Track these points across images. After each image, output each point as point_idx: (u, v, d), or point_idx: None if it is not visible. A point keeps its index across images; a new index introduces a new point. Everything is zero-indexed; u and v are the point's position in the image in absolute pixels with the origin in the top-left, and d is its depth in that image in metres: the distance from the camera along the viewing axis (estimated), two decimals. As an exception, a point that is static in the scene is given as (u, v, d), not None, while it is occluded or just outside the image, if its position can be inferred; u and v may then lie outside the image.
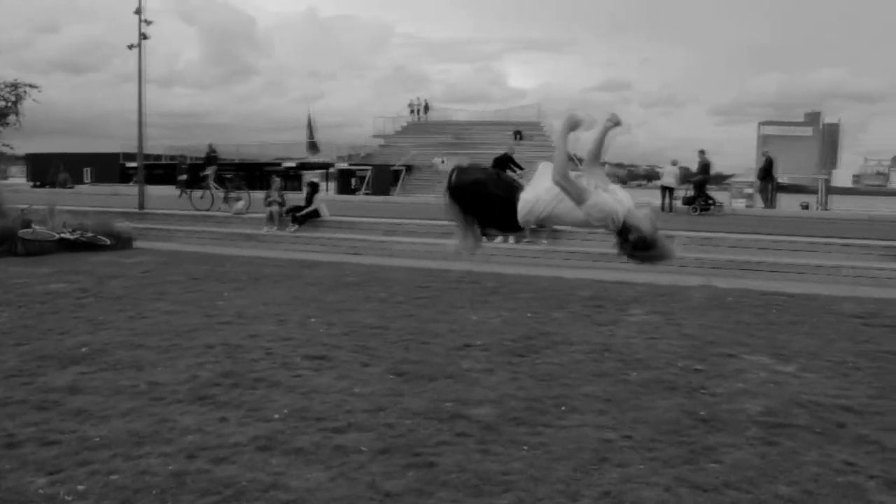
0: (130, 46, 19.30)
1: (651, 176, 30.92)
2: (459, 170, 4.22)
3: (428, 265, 12.71)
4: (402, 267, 12.51)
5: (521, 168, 21.62)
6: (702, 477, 3.97)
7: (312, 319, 7.88)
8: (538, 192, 3.92)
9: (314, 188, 18.40)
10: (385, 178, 39.17)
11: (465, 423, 4.73)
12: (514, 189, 4.06)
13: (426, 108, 52.69)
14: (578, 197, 3.73)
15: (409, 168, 41.72)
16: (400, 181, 39.99)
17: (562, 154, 3.84)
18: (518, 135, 45.20)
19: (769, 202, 26.57)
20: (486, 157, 42.27)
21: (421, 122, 51.44)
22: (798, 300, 9.74)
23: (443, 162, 40.21)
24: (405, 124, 51.18)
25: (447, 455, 4.19)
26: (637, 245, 3.75)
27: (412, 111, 52.38)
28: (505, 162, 20.95)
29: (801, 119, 32.07)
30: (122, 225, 15.45)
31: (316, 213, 17.26)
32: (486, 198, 4.10)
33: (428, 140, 46.30)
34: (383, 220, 17.81)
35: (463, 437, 4.49)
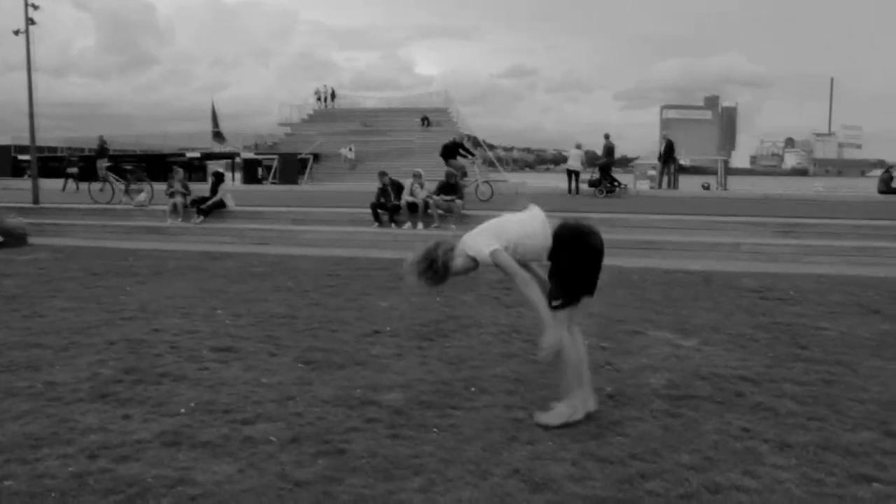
0: (16, 32, 18.41)
1: (558, 160, 31.44)
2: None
3: (336, 253, 12.62)
4: (311, 256, 12.39)
5: (472, 154, 21.63)
6: (608, 450, 4.06)
7: (219, 311, 7.73)
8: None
9: (219, 178, 18.02)
10: (292, 167, 38.69)
11: (374, 408, 4.72)
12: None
13: (332, 95, 52.22)
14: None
15: (316, 156, 41.28)
16: (307, 170, 39.55)
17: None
18: (426, 121, 45.26)
19: (671, 184, 27.35)
20: (394, 144, 42.31)
21: (328, 110, 50.96)
22: (700, 277, 10.07)
23: (350, 150, 39.95)
24: (311, 112, 50.61)
25: (357, 441, 4.17)
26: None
27: (318, 99, 51.83)
28: (454, 148, 20.93)
29: (701, 103, 33.10)
30: (14, 220, 14.74)
31: (221, 204, 16.91)
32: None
33: (335, 128, 45.93)
34: (291, 209, 17.59)
35: (373, 422, 4.48)
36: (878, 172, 33.20)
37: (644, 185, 28.14)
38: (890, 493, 3.57)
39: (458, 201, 15.30)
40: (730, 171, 32.93)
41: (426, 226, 14.93)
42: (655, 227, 14.42)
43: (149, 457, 3.97)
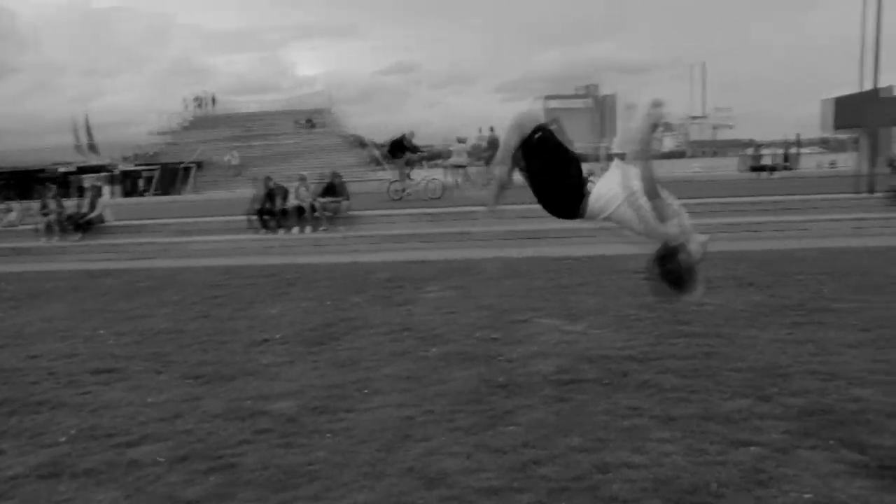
0: None
1: (445, 155, 31.72)
2: (556, 128, 4.33)
3: (224, 263, 12.35)
4: (197, 267, 12.08)
5: (419, 150, 21.40)
6: (501, 440, 4.11)
7: (101, 332, 7.44)
8: (613, 189, 4.05)
9: (97, 192, 17.37)
10: (174, 177, 37.61)
11: (266, 418, 4.64)
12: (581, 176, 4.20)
13: (213, 101, 50.93)
14: (662, 215, 3.88)
15: (199, 165, 40.24)
16: (190, 179, 38.51)
17: (649, 169, 3.88)
18: (309, 123, 44.83)
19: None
20: (278, 148, 41.65)
21: (208, 117, 49.67)
22: (585, 262, 10.32)
23: (233, 156, 39.12)
24: (192, 119, 49.22)
25: (249, 454, 4.09)
26: (671, 272, 4.04)
27: (198, 105, 50.45)
28: (400, 145, 20.72)
29: (582, 92, 33.97)
30: None
31: (100, 219, 16.29)
32: (562, 166, 4.23)
33: (217, 134, 44.81)
34: (174, 220, 17.10)
35: (265, 433, 4.39)
36: (749, 151, 34.77)
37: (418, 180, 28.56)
38: (765, 455, 3.76)
39: (345, 202, 15.20)
40: (611, 158, 34.00)
41: (314, 229, 14.77)
42: (542, 217, 14.61)
43: (26, 492, 3.77)
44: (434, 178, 20.65)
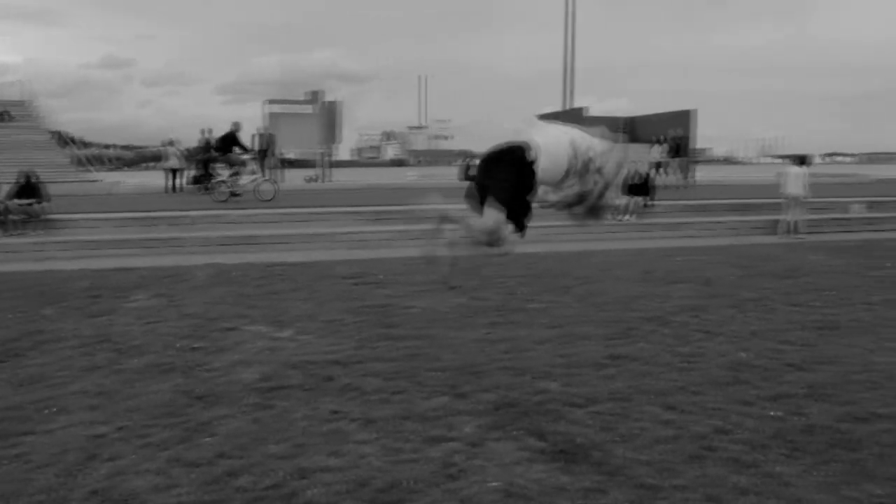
0: None
1: (160, 157, 30.27)
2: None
3: None
4: None
5: (245, 149, 19.50)
6: (196, 453, 3.97)
7: None
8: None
9: None
10: None
11: (-80, 452, 4.10)
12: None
13: None
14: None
15: None
16: None
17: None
18: (5, 116, 40.80)
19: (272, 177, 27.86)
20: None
21: None
22: (298, 268, 10.30)
23: None
24: None
25: None
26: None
27: None
28: (231, 141, 18.80)
29: (303, 97, 33.97)
30: None
31: None
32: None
33: None
34: None
35: (-83, 468, 3.89)
36: (460, 162, 36.70)
37: (247, 181, 28.10)
38: (458, 449, 3.99)
39: (43, 205, 13.96)
40: (335, 164, 34.35)
41: (4, 232, 13.39)
42: (258, 222, 14.47)
43: None
44: (267, 180, 19.39)
